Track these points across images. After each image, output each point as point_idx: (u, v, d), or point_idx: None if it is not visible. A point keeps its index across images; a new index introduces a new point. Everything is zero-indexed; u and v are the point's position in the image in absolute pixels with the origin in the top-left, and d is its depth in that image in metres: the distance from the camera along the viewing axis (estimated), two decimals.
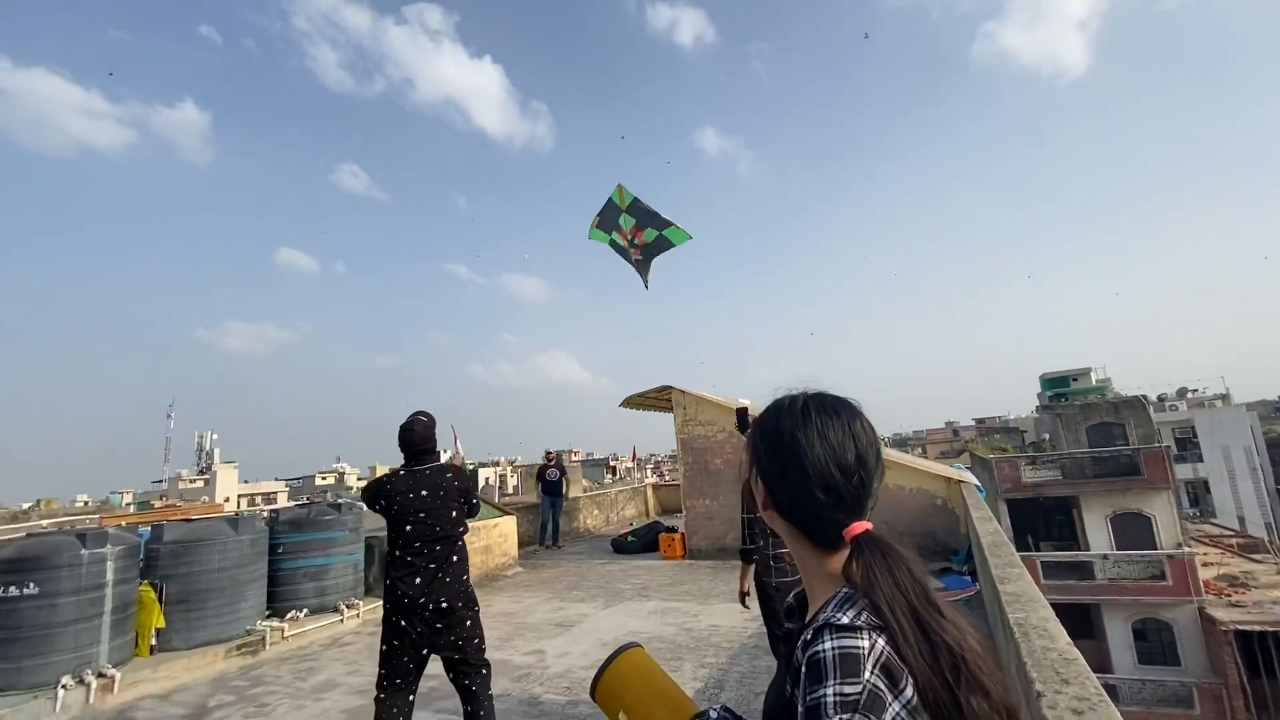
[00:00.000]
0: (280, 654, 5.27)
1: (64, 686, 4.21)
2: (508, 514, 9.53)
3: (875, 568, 0.77)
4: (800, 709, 0.69)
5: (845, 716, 0.65)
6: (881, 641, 0.70)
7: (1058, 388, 39.35)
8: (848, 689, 0.66)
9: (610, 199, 5.74)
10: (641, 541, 9.89)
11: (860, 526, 0.82)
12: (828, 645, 0.70)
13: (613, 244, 5.88)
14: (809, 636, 0.73)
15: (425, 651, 2.86)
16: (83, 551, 4.56)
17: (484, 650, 3.00)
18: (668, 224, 5.79)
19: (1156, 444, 22.88)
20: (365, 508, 3.02)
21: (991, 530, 4.28)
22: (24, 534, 5.66)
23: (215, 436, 56.61)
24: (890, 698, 0.68)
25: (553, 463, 10.92)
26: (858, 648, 0.69)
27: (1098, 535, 20.65)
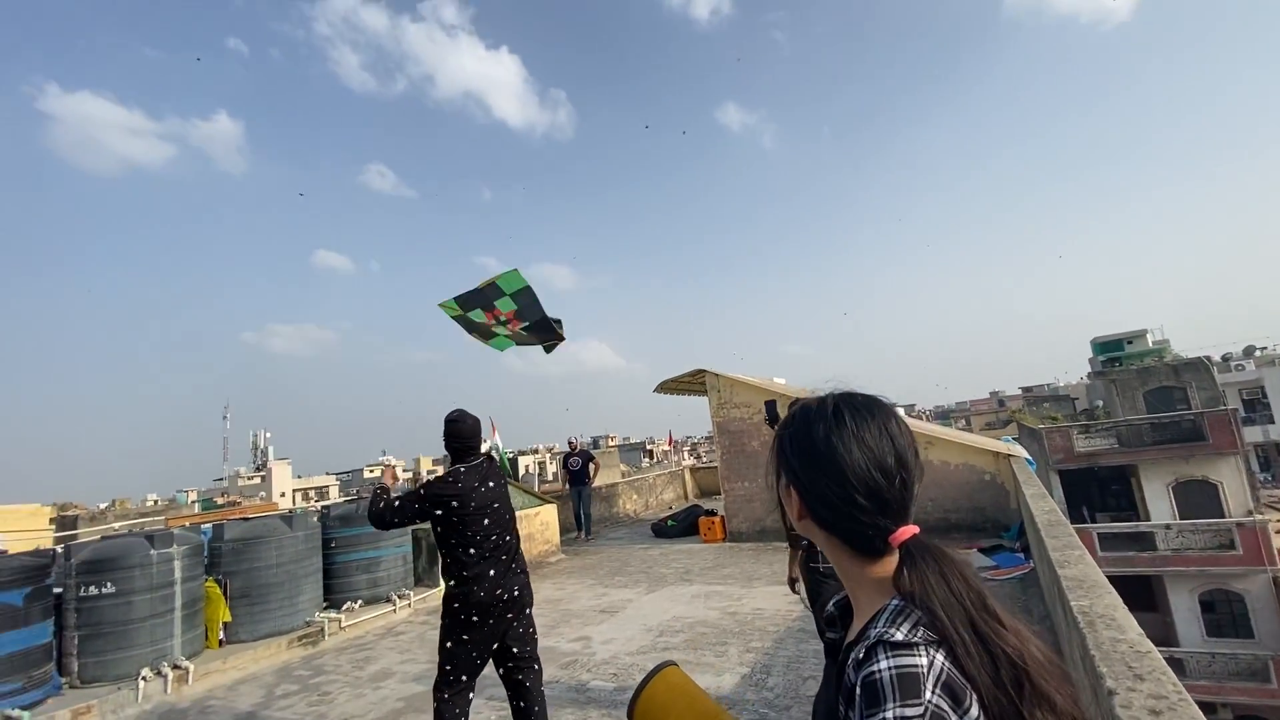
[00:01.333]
0: (338, 644, 5.47)
1: (144, 678, 4.46)
2: (548, 502, 9.66)
3: (929, 575, 0.73)
4: None
5: None
6: (940, 657, 0.66)
7: (1111, 352, 37.68)
8: (909, 711, 0.62)
9: (494, 282, 5.30)
10: (681, 525, 9.91)
11: (908, 531, 0.77)
12: (884, 665, 0.65)
13: (464, 319, 5.40)
14: (861, 655, 0.69)
15: (495, 646, 2.88)
16: (152, 552, 4.80)
17: (538, 644, 3.04)
18: (551, 335, 5.63)
19: (1222, 407, 21.73)
20: (411, 511, 2.89)
21: (1047, 509, 4.12)
22: (99, 537, 5.98)
23: (269, 435, 58.95)
24: (955, 717, 0.63)
25: (576, 451, 10.72)
26: (916, 666, 0.65)
27: (1159, 505, 19.81)
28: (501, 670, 2.97)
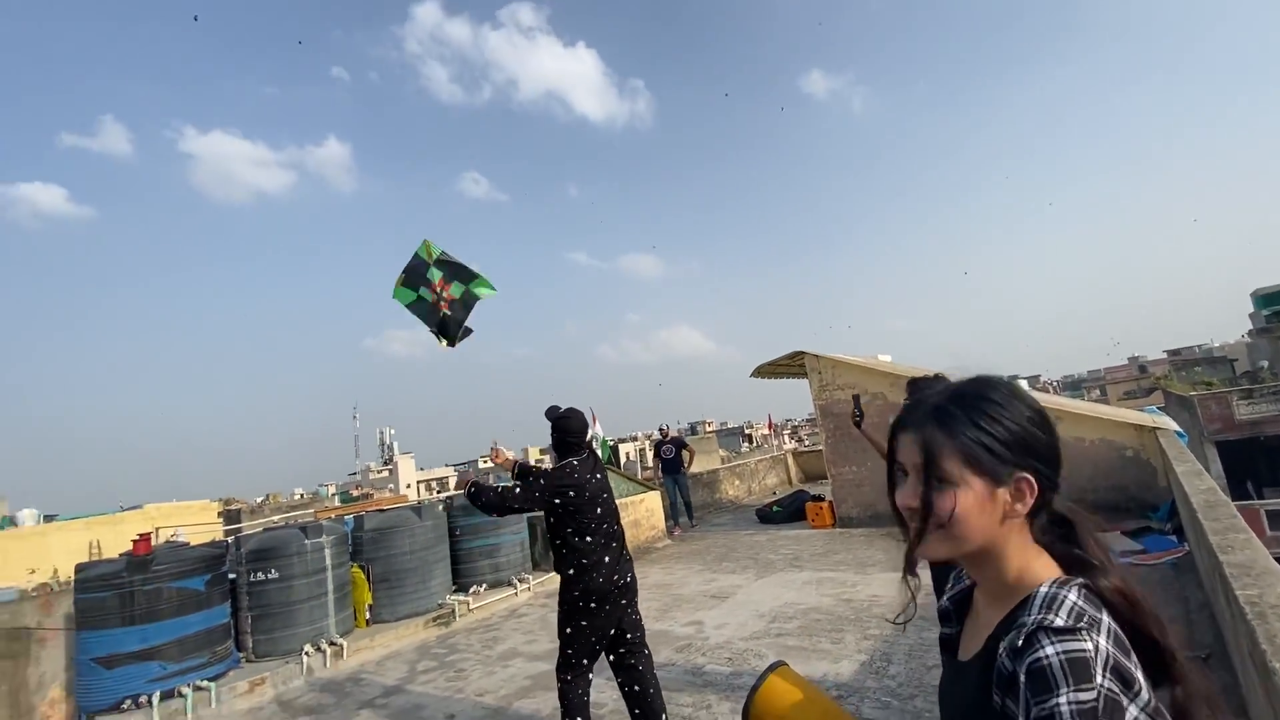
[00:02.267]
0: (468, 624, 5.89)
1: (306, 653, 5.03)
2: (651, 489, 9.85)
3: (1086, 536, 0.78)
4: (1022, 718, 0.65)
5: None
6: (1103, 641, 0.65)
7: (1277, 305, 32.82)
8: (1084, 695, 0.62)
9: (416, 254, 5.23)
10: (787, 511, 9.76)
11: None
12: (1050, 651, 0.65)
13: (419, 301, 5.18)
14: (1020, 643, 0.68)
15: (611, 631, 3.01)
16: (306, 542, 5.39)
17: (645, 630, 3.15)
18: (474, 276, 5.29)
19: None
20: (532, 500, 3.00)
21: (1204, 487, 3.71)
22: (262, 529, 6.78)
23: (393, 431, 63.95)
24: (1126, 701, 0.63)
25: (667, 439, 10.46)
26: (1085, 651, 0.64)
27: None
28: (613, 657, 3.08)
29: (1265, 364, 27.48)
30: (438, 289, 5.13)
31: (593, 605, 2.93)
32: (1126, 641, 0.68)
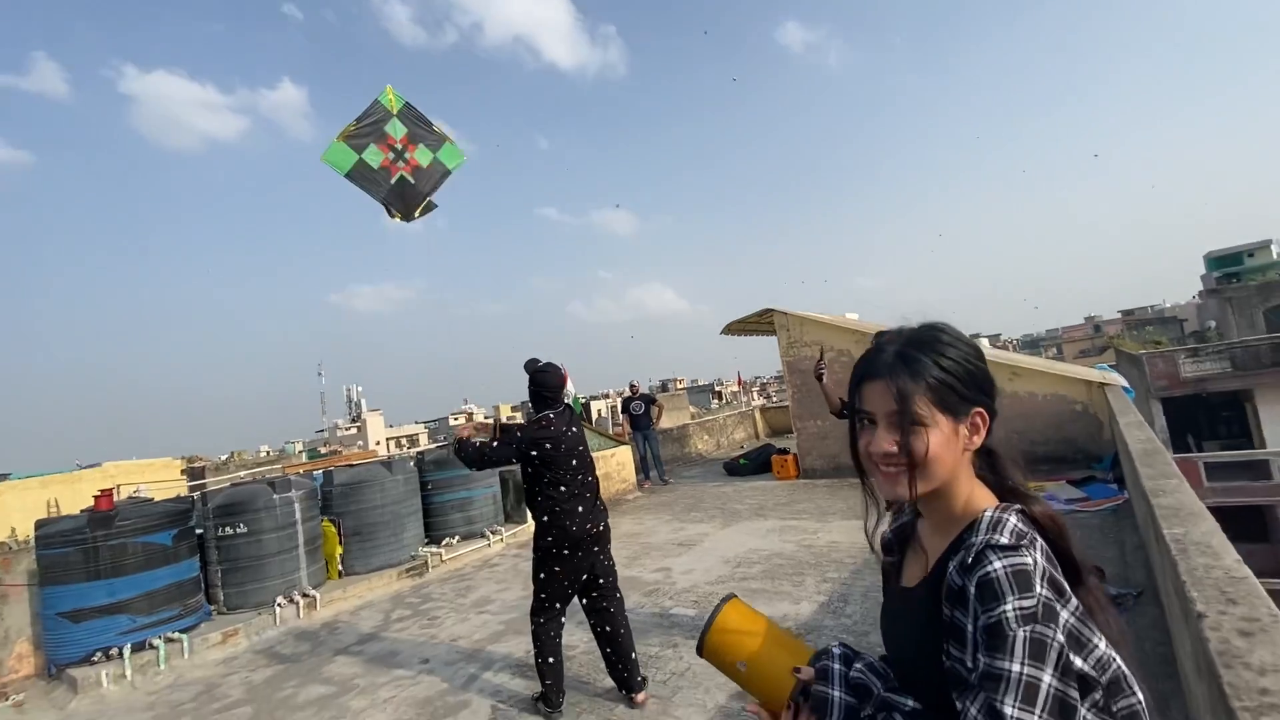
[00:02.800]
0: (441, 575, 5.99)
1: (279, 605, 5.08)
2: (622, 443, 10.00)
3: (1009, 466, 0.87)
4: (972, 628, 0.73)
5: (1028, 628, 0.69)
6: (1039, 557, 0.74)
7: (1227, 266, 34.10)
8: (1025, 602, 0.70)
9: (375, 102, 4.46)
10: (754, 463, 10.02)
11: None
12: (998, 565, 0.73)
13: (360, 167, 4.39)
14: (969, 560, 0.76)
15: (584, 577, 3.12)
16: (275, 496, 5.37)
17: (618, 575, 3.27)
18: (443, 140, 4.62)
19: None
20: (510, 452, 3.06)
21: (1143, 438, 3.93)
22: (229, 484, 6.71)
23: (360, 389, 62.92)
24: (1059, 607, 0.72)
25: (636, 395, 10.37)
26: (1026, 564, 0.73)
27: (1276, 431, 18.26)
28: (586, 600, 3.20)
29: (1213, 324, 28.71)
30: (397, 146, 4.46)
31: (565, 551, 3.04)
32: (1054, 556, 0.77)
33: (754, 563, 5.14)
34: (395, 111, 4.46)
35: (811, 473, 9.08)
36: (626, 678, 3.10)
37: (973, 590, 0.73)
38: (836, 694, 0.85)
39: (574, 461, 3.13)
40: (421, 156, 4.54)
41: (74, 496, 11.82)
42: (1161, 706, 2.42)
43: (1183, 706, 2.24)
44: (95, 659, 4.27)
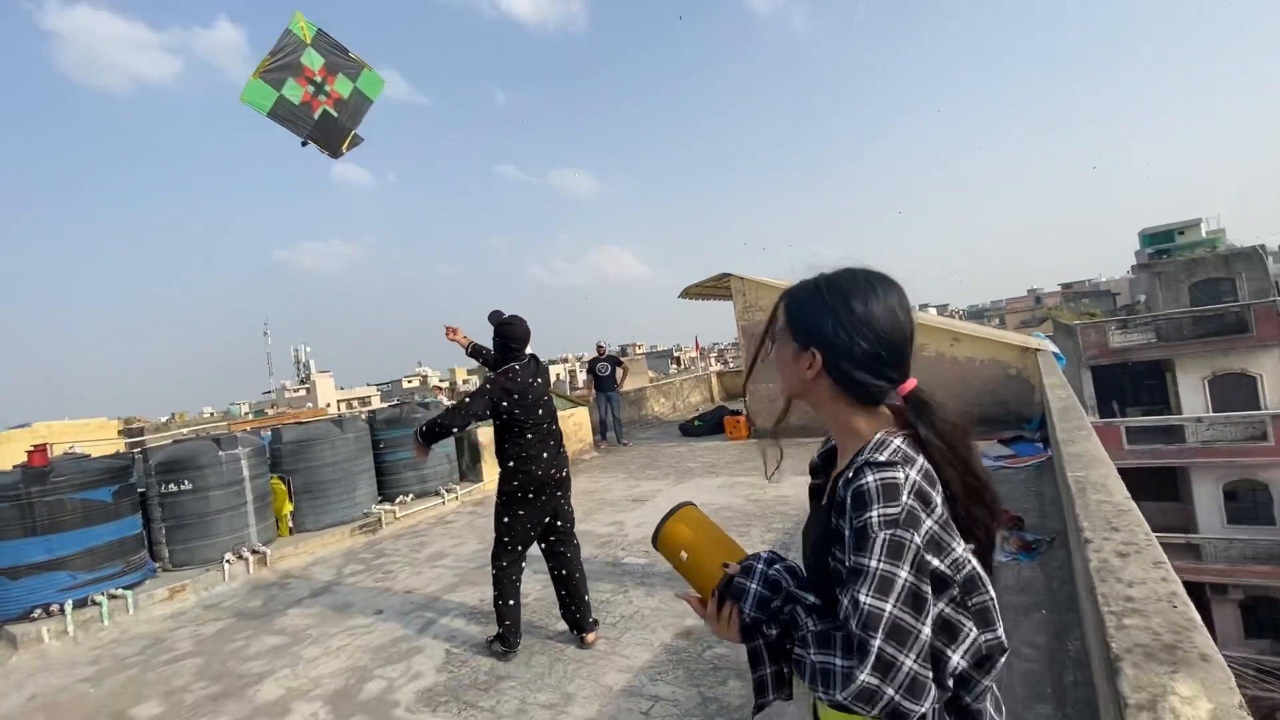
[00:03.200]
0: (395, 532, 6.01)
1: (228, 561, 5.02)
2: (580, 404, 10.09)
3: (924, 411, 0.92)
4: (848, 532, 0.84)
5: (889, 531, 0.80)
6: (913, 473, 0.84)
7: (1160, 243, 35.87)
8: (889, 510, 0.81)
9: (287, 31, 4.13)
10: (708, 425, 10.26)
11: (913, 382, 0.94)
12: (870, 478, 0.83)
13: (281, 105, 4.11)
14: (850, 475, 0.86)
15: (545, 520, 3.27)
16: (220, 453, 5.25)
17: (574, 523, 3.42)
18: (360, 68, 4.33)
19: (1272, 298, 20.90)
20: (483, 405, 3.16)
21: (1063, 396, 4.21)
22: (170, 441, 6.51)
23: (309, 349, 61.01)
24: (924, 515, 0.82)
25: (603, 356, 10.42)
26: (896, 479, 0.83)
27: (1193, 399, 19.62)
28: (544, 545, 3.33)
29: (1143, 298, 30.33)
30: (316, 79, 4.17)
31: (530, 495, 3.17)
32: (935, 475, 0.87)
33: None
34: (309, 40, 4.20)
35: (762, 433, 9.36)
36: (579, 619, 3.24)
37: (849, 500, 0.84)
38: (754, 586, 0.96)
39: (540, 411, 3.26)
40: (341, 87, 4.32)
41: (2, 456, 11.25)
42: (1063, 635, 2.69)
43: (1081, 636, 2.49)
44: (35, 615, 4.17)
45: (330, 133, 4.28)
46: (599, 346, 10.78)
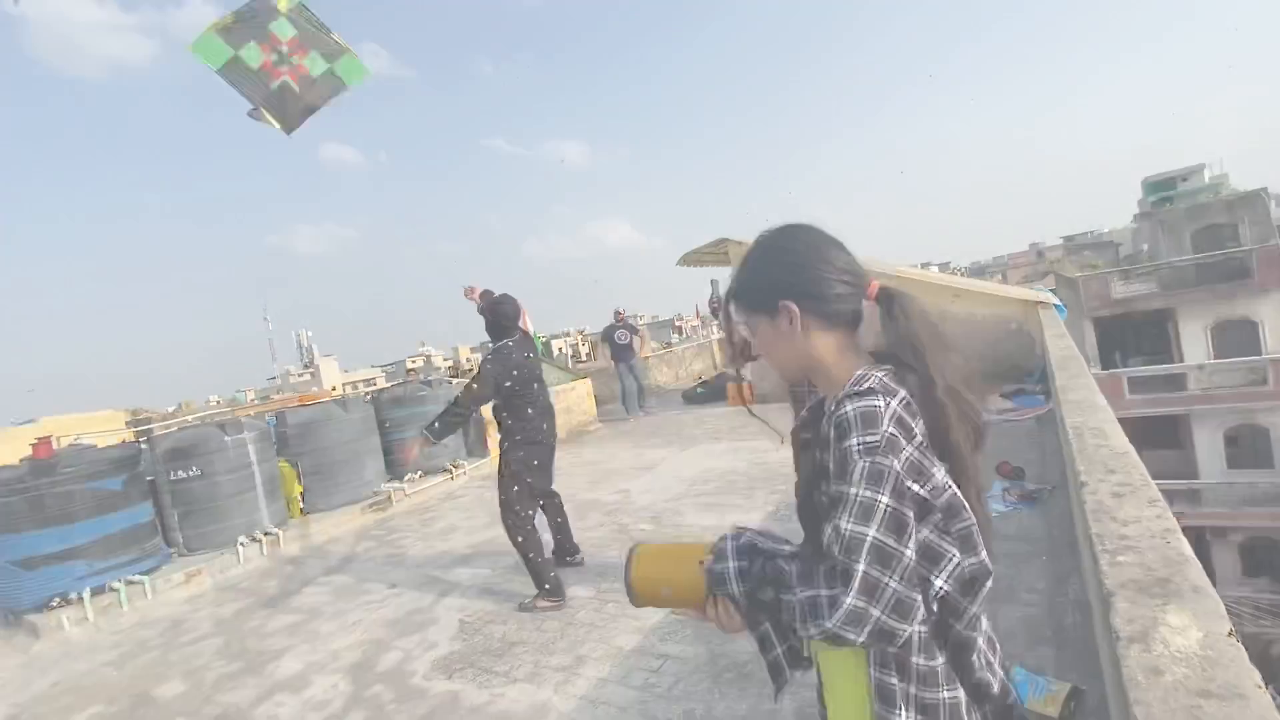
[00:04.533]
0: (406, 509, 6.09)
1: (241, 544, 5.10)
2: (582, 378, 10.12)
3: (898, 302, 0.94)
4: (831, 464, 0.85)
5: (869, 459, 0.80)
6: (893, 402, 0.85)
7: (1162, 191, 35.38)
8: (870, 437, 0.81)
9: None
10: (711, 392, 10.30)
11: (876, 283, 0.96)
12: (850, 408, 0.84)
13: (234, 65, 3.84)
14: (834, 408, 0.87)
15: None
16: (226, 438, 5.29)
17: None
18: (341, 52, 4.10)
19: (1275, 241, 20.69)
20: (491, 385, 3.36)
21: (1064, 346, 4.21)
22: (176, 428, 6.56)
23: (310, 333, 61.14)
24: (904, 442, 0.83)
25: (621, 323, 9.99)
26: (876, 406, 0.83)
27: (1195, 347, 19.57)
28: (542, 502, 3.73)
29: (1145, 247, 30.02)
30: (283, 48, 3.89)
31: (537, 463, 3.48)
32: (915, 406, 0.87)
33: (709, 480, 5.39)
34: (284, 10, 3.92)
35: (765, 398, 9.38)
36: (570, 547, 3.80)
37: (831, 431, 0.85)
38: (731, 564, 0.93)
39: (535, 385, 3.51)
40: (312, 65, 4.04)
41: (8, 453, 11.36)
42: (1063, 580, 2.73)
43: (1081, 583, 2.53)
44: (54, 604, 4.25)
45: (286, 107, 4.02)
46: (617, 313, 10.25)
